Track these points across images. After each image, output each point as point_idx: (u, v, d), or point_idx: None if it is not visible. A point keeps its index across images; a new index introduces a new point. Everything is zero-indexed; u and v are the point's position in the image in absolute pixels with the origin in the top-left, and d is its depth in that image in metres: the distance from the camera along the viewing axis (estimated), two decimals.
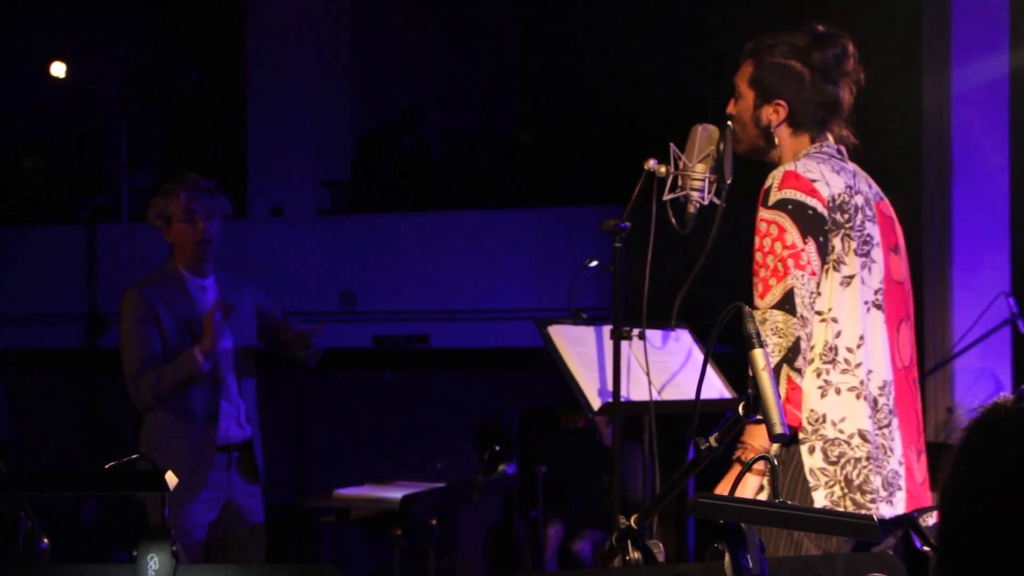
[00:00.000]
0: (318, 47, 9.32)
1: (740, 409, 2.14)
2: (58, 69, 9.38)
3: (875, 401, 2.97)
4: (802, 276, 2.89)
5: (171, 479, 2.07)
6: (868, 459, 2.91)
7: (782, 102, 3.09)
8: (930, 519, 2.91)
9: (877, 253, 3.04)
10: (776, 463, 2.25)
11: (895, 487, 2.97)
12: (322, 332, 4.75)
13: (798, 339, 2.85)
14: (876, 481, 2.93)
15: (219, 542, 4.63)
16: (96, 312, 9.23)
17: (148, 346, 4.54)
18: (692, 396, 3.42)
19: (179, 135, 10.45)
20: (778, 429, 2.10)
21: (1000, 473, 1.42)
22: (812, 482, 2.91)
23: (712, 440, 2.12)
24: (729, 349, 3.03)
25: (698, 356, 3.56)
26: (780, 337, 2.85)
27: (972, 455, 1.46)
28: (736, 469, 2.86)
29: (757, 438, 2.84)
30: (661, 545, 2.19)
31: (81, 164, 10.12)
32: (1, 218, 9.72)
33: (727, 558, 1.98)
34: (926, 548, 2.06)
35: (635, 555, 2.16)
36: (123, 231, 8.92)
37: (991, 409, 1.47)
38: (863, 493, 2.90)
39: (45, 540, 2.16)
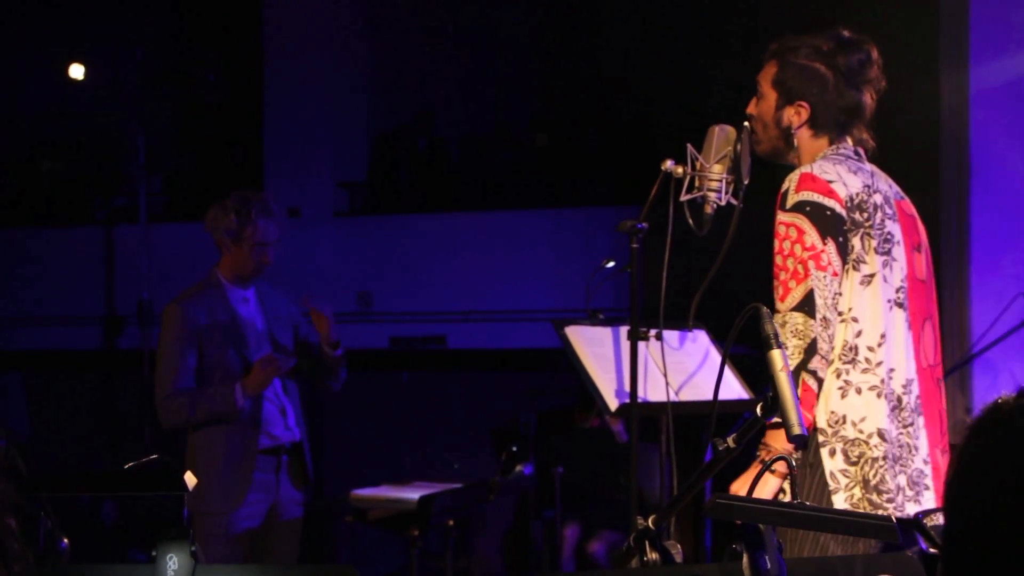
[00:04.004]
0: (335, 49, 9.33)
1: (758, 410, 2.14)
2: (76, 71, 9.41)
3: (899, 400, 2.96)
4: (823, 277, 2.89)
5: (190, 480, 2.08)
6: (884, 459, 2.91)
7: (804, 104, 3.09)
8: (936, 520, 2.90)
9: (899, 251, 3.03)
10: (794, 463, 2.25)
11: (921, 486, 2.96)
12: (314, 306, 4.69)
13: (815, 340, 2.85)
14: (896, 481, 2.92)
15: (255, 535, 4.62)
16: (113, 313, 9.26)
17: (183, 367, 4.52)
18: (709, 397, 3.42)
19: (196, 136, 10.48)
20: (796, 430, 2.10)
21: (1004, 472, 1.40)
22: (832, 485, 2.91)
23: (730, 441, 2.12)
24: (747, 350, 3.02)
25: (715, 357, 3.55)
26: (800, 339, 2.85)
27: (975, 454, 1.44)
28: (755, 468, 2.85)
29: (780, 440, 2.83)
30: (679, 546, 2.19)
31: (99, 165, 10.14)
32: (19, 219, 9.76)
33: (745, 559, 1.98)
34: (932, 550, 2.05)
35: (653, 556, 2.16)
36: (140, 232, 8.94)
37: (993, 408, 1.45)
38: (879, 493, 2.89)
39: (65, 540, 2.17)
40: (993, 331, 6.13)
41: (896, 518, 2.03)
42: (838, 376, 2.94)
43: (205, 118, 10.29)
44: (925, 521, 2.81)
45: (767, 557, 1.97)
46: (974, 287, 6.42)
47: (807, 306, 2.87)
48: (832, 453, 2.92)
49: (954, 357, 6.36)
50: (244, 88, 9.72)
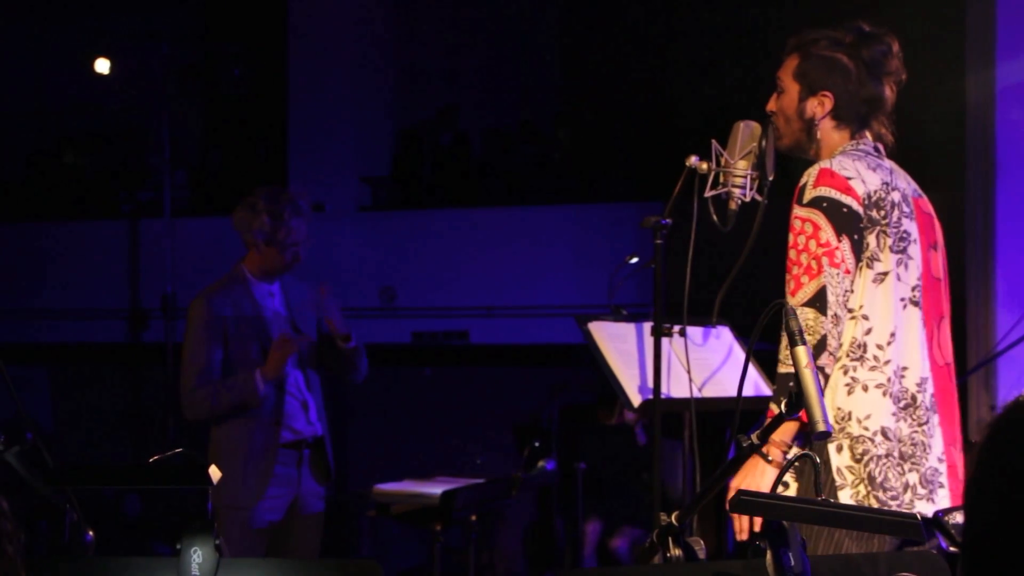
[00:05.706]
0: (359, 44, 9.34)
1: (782, 406, 2.14)
2: (102, 65, 9.45)
3: (913, 398, 2.95)
4: (836, 274, 2.89)
5: (215, 474, 2.09)
6: (888, 457, 2.90)
7: (828, 94, 3.08)
8: (956, 518, 2.89)
9: (915, 250, 3.02)
10: (818, 460, 2.24)
11: (935, 484, 2.95)
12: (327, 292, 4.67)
13: (824, 337, 2.85)
14: (904, 479, 2.91)
15: (277, 529, 4.64)
16: (138, 307, 9.30)
17: (208, 361, 4.54)
18: (732, 393, 3.42)
19: (221, 131, 10.51)
20: (821, 427, 2.10)
21: None
22: (839, 481, 2.90)
23: (754, 438, 2.12)
24: (770, 346, 3.02)
25: (739, 353, 3.55)
26: (809, 335, 2.85)
27: (997, 452, 1.43)
28: (754, 460, 2.84)
29: (780, 432, 2.83)
30: (702, 542, 2.19)
31: (124, 159, 10.19)
32: (44, 213, 9.81)
33: (769, 556, 1.98)
34: (952, 548, 2.04)
35: (676, 552, 2.16)
36: (165, 226, 8.98)
37: (1014, 405, 1.45)
38: (884, 491, 2.89)
39: (90, 532, 2.19)
40: (1018, 329, 6.10)
41: (921, 516, 2.02)
42: (845, 373, 2.93)
43: (230, 112, 10.32)
44: (946, 519, 2.80)
45: (791, 554, 1.97)
46: (999, 285, 6.39)
47: (818, 302, 2.87)
48: (839, 449, 2.92)
49: (978, 355, 6.33)
50: (269, 82, 9.74)
